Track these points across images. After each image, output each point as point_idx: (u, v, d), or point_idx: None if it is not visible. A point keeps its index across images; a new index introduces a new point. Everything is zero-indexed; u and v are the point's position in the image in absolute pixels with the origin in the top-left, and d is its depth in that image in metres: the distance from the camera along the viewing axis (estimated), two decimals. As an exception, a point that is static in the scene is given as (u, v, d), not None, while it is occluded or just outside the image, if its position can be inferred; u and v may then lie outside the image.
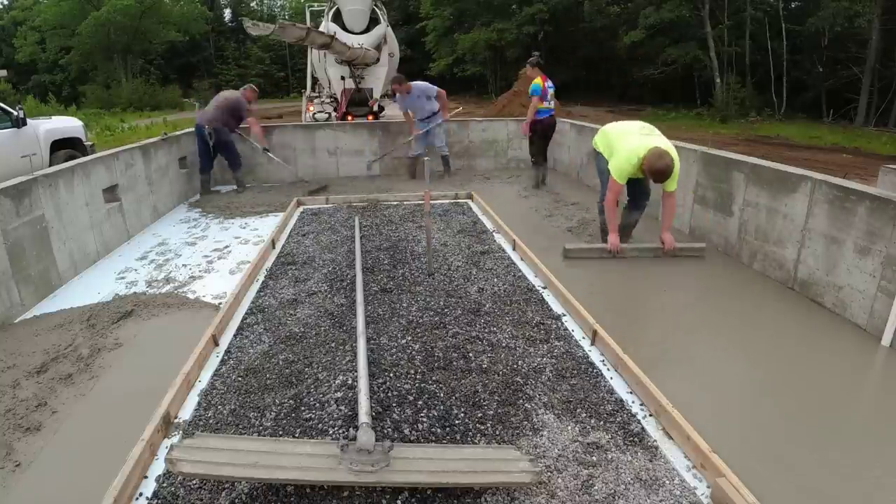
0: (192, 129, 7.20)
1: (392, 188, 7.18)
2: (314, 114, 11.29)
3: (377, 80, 10.68)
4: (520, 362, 2.85)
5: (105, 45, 33.90)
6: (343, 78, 10.38)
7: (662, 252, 4.44)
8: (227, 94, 7.26)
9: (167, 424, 2.37)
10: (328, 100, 11.38)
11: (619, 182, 4.25)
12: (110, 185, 5.10)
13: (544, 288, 3.86)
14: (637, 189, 4.58)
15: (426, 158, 4.14)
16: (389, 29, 11.32)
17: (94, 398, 2.69)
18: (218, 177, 7.61)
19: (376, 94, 10.76)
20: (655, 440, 2.27)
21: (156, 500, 1.97)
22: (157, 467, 2.14)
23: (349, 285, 3.86)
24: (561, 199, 6.55)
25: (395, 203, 6.31)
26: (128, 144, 6.23)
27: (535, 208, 6.19)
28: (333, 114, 11.02)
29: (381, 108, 11.21)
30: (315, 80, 12.73)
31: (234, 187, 7.44)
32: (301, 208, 6.23)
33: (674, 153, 4.11)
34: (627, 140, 4.26)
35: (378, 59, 10.62)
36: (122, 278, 4.26)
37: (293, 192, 7.08)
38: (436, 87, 7.67)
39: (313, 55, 11.91)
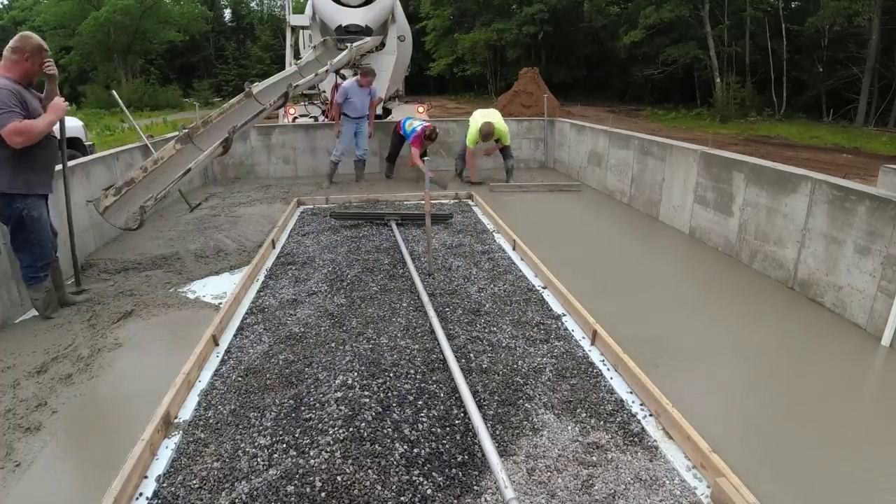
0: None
1: (392, 188, 7.19)
2: (294, 118, 8.80)
3: (382, 72, 7.92)
4: (520, 362, 2.85)
5: (105, 45, 33.93)
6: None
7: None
8: None
9: (167, 424, 2.36)
10: (317, 98, 9.03)
11: (470, 147, 7.11)
12: (110, 185, 5.09)
13: (544, 288, 3.86)
14: (503, 150, 7.33)
15: (426, 158, 4.13)
16: (398, 3, 8.41)
17: (94, 398, 2.69)
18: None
19: (381, 93, 7.95)
20: (655, 440, 2.27)
21: (156, 500, 1.96)
22: (157, 467, 2.14)
23: (349, 285, 3.86)
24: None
25: (395, 203, 6.31)
26: (128, 144, 6.23)
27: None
28: (321, 118, 8.78)
29: (388, 112, 9.00)
30: None
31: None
32: (301, 208, 6.23)
33: (498, 121, 7.00)
34: (473, 123, 7.00)
35: (383, 45, 8.01)
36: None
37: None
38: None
39: (296, 37, 9.08)
